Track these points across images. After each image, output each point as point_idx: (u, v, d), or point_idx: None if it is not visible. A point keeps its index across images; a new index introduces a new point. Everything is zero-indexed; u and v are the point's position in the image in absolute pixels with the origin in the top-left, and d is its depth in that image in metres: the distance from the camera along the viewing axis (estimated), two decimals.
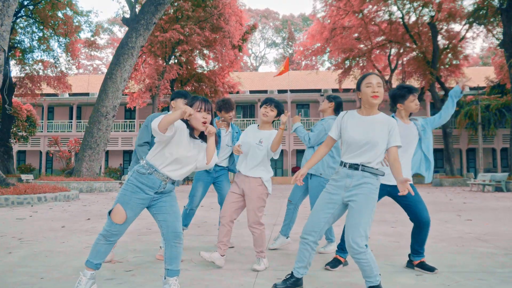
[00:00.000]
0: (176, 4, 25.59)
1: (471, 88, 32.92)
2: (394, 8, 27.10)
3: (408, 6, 26.11)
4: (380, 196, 3.32)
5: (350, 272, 3.45)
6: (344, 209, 2.84)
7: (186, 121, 2.66)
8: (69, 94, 34.62)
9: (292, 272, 2.92)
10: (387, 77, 29.35)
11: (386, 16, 27.59)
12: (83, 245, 4.56)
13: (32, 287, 2.93)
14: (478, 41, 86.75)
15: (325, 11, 28.71)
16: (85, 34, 29.69)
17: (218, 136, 3.36)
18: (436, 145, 31.75)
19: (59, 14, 26.43)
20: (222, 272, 3.39)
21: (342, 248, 3.57)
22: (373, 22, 27.42)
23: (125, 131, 33.32)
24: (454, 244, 4.65)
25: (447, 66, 27.52)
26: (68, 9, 26.30)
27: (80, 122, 35.13)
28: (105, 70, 66.01)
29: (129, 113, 35.62)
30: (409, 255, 3.59)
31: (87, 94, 36.26)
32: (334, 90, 33.80)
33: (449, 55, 27.42)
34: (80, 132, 34.06)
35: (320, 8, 29.66)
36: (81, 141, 29.79)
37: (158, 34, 23.90)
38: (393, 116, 3.50)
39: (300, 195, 4.44)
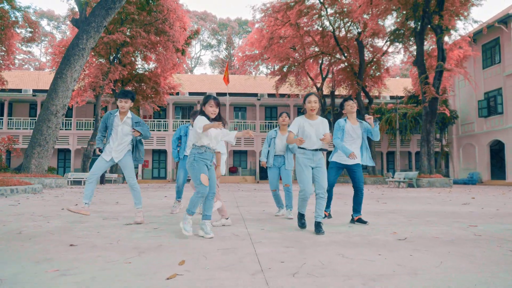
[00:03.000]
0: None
1: (391, 97, 36.73)
2: (326, 23, 29.74)
3: (338, 22, 28.86)
4: (339, 171, 5.62)
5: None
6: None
7: (206, 115, 4.28)
8: (1, 90, 33.45)
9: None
10: (318, 85, 32.02)
11: (320, 28, 30.15)
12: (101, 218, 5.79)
13: (111, 242, 4.24)
14: (399, 56, 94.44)
15: (263, 20, 30.69)
16: (21, 30, 29.00)
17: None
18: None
19: None
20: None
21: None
22: (307, 34, 29.83)
23: (61, 129, 32.90)
24: (375, 215, 6.51)
25: (371, 77, 30.72)
26: (5, 3, 25.82)
27: (11, 119, 34.06)
28: (32, 64, 63.21)
29: (66, 112, 35.11)
30: (352, 214, 5.60)
31: (19, 91, 35.16)
32: (270, 95, 35.98)
33: (373, 67, 30.64)
34: (12, 130, 33.09)
35: (259, 17, 31.60)
36: (14, 139, 29.23)
37: (103, 36, 24.36)
38: (345, 120, 5.55)
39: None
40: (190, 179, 6.09)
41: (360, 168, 5.60)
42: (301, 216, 4.88)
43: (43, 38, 65.86)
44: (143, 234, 4.34)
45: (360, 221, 5.42)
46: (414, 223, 5.43)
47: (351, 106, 5.58)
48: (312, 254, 3.27)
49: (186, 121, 35.69)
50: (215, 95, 6.29)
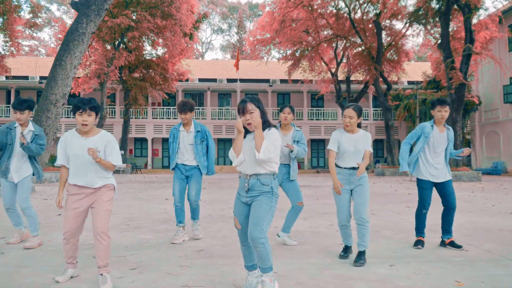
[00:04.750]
0: None
1: (409, 82, 35.03)
2: (341, 4, 28.08)
3: (354, 2, 27.18)
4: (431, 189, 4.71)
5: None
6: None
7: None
8: (6, 77, 32.63)
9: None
10: (333, 70, 30.49)
11: (334, 10, 28.51)
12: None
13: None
14: (416, 40, 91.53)
15: (275, 2, 29.15)
16: (24, 14, 27.84)
17: None
18: (378, 136, 33.65)
19: None
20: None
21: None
22: (321, 17, 28.24)
23: (68, 117, 31.98)
24: (411, 235, 5.29)
25: (389, 61, 29.07)
26: None
27: None
28: (43, 50, 62.49)
29: (73, 99, 34.23)
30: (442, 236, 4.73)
31: (26, 78, 34.35)
32: (282, 81, 34.56)
33: (391, 51, 28.97)
34: None
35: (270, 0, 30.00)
36: None
37: (107, 20, 23.18)
38: (432, 125, 4.68)
39: None
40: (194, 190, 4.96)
41: (451, 183, 4.75)
42: (345, 248, 4.18)
43: (53, 24, 65.09)
44: (113, 280, 3.20)
45: (453, 245, 4.55)
46: (474, 257, 4.20)
47: (441, 114, 4.69)
48: None
49: (202, 109, 34.53)
50: (185, 100, 5.05)
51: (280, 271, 3.61)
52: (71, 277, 3.38)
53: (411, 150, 4.97)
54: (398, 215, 7.15)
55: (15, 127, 4.55)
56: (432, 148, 4.66)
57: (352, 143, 3.97)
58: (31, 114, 4.57)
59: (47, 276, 3.41)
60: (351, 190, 4.01)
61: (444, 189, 4.67)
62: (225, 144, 34.98)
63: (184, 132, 4.97)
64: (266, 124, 3.01)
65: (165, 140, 35.03)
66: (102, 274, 3.18)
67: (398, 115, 30.70)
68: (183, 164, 4.97)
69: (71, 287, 3.19)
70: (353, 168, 3.97)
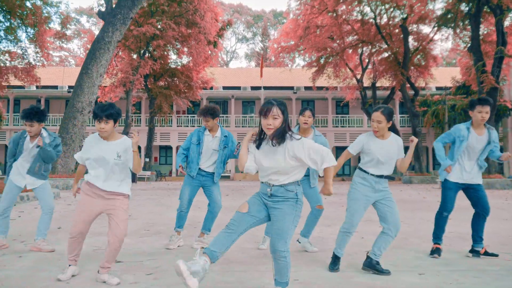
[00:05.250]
0: None
1: (437, 88, 34.18)
2: (367, 9, 27.71)
3: (380, 7, 26.77)
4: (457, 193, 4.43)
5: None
6: None
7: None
8: (36, 87, 33.60)
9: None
10: (358, 76, 30.05)
11: (359, 16, 28.17)
12: (89, 247, 4.61)
13: None
14: (445, 44, 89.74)
15: (299, 9, 29.03)
16: (54, 25, 28.61)
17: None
18: (405, 143, 32.73)
19: (28, 4, 25.62)
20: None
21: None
22: (346, 23, 27.94)
23: (94, 125, 32.59)
24: (443, 243, 5.00)
25: (417, 66, 28.45)
26: None
27: (48, 115, 34.12)
28: (72, 61, 64.20)
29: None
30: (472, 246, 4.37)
31: (55, 87, 35.28)
32: (306, 88, 34.31)
33: (419, 55, 28.35)
34: (49, 126, 33.15)
35: (294, 6, 29.92)
36: None
37: (132, 28, 23.55)
38: (467, 128, 4.32)
39: None
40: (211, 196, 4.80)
41: (483, 187, 4.43)
42: (335, 259, 3.79)
43: (82, 35, 66.89)
44: (127, 285, 3.09)
45: (489, 253, 4.25)
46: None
47: (482, 115, 4.25)
48: None
49: (226, 117, 34.64)
50: (209, 105, 4.79)
51: (302, 279, 3.41)
52: (72, 276, 3.41)
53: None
54: (427, 223, 6.82)
55: (25, 136, 4.51)
56: (467, 153, 4.33)
57: (384, 150, 3.65)
58: (40, 127, 4.42)
59: (62, 280, 3.32)
60: (375, 201, 3.70)
61: (476, 193, 4.35)
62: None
63: (210, 136, 4.73)
64: (286, 132, 2.74)
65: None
66: (108, 273, 3.29)
67: (426, 122, 29.88)
68: (199, 169, 4.73)
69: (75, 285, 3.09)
70: (381, 177, 3.67)
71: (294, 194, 2.75)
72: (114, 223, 3.24)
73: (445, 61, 60.51)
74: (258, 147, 2.81)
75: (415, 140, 3.60)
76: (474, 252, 4.32)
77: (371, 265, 3.63)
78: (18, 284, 3.24)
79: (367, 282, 3.36)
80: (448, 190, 4.39)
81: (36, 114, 4.28)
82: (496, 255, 4.20)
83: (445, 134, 4.51)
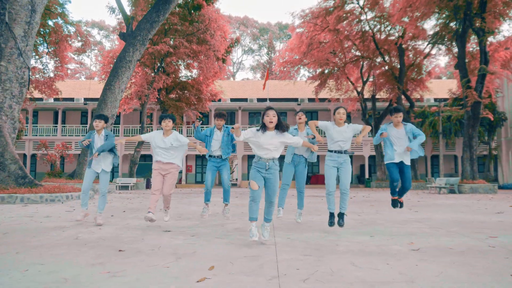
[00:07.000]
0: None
1: (435, 99, 35.92)
2: (366, 27, 29.61)
3: (378, 26, 28.68)
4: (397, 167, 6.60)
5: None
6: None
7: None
8: (54, 99, 35.70)
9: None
10: (359, 89, 31.89)
11: (359, 32, 30.06)
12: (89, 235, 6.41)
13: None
14: (442, 58, 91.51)
15: (303, 26, 31.00)
16: (73, 42, 30.71)
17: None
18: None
19: (50, 23, 27.76)
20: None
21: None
22: (347, 39, 29.84)
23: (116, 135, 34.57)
24: (400, 225, 6.74)
25: (413, 80, 30.28)
26: (59, 18, 27.64)
27: (65, 126, 36.23)
28: (83, 73, 66.60)
29: (115, 119, 36.92)
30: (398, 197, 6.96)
31: (71, 99, 37.36)
32: (310, 100, 36.19)
33: (415, 70, 30.18)
34: (65, 137, 35.18)
35: (298, 23, 31.88)
36: (67, 145, 31.11)
37: (148, 47, 25.57)
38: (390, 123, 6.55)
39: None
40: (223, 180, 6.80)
41: (409, 168, 6.66)
42: (331, 216, 5.79)
43: (93, 47, 69.41)
44: (181, 241, 4.89)
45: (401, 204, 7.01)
46: (435, 233, 5.64)
47: (396, 118, 6.56)
48: (326, 262, 3.67)
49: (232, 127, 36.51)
50: (220, 110, 7.57)
51: (293, 237, 5.17)
52: (151, 220, 5.82)
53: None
54: (399, 214, 8.56)
55: (94, 133, 6.64)
56: (394, 141, 6.55)
57: (341, 134, 5.71)
58: (105, 125, 6.62)
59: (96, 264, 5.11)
60: (337, 168, 5.67)
61: (402, 169, 6.63)
62: None
63: (218, 131, 7.03)
64: (282, 127, 4.67)
65: (198, 157, 37.12)
66: (166, 210, 6.39)
67: (424, 131, 31.59)
68: (213, 156, 6.93)
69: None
70: (339, 152, 5.64)
71: (278, 166, 4.75)
72: (166, 183, 6.01)
73: (449, 71, 62.09)
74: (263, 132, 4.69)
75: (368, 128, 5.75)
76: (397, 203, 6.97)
77: (343, 216, 5.71)
78: (111, 241, 5.02)
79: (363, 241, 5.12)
80: (391, 167, 6.58)
81: (102, 115, 6.68)
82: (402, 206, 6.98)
83: (379, 129, 6.75)
